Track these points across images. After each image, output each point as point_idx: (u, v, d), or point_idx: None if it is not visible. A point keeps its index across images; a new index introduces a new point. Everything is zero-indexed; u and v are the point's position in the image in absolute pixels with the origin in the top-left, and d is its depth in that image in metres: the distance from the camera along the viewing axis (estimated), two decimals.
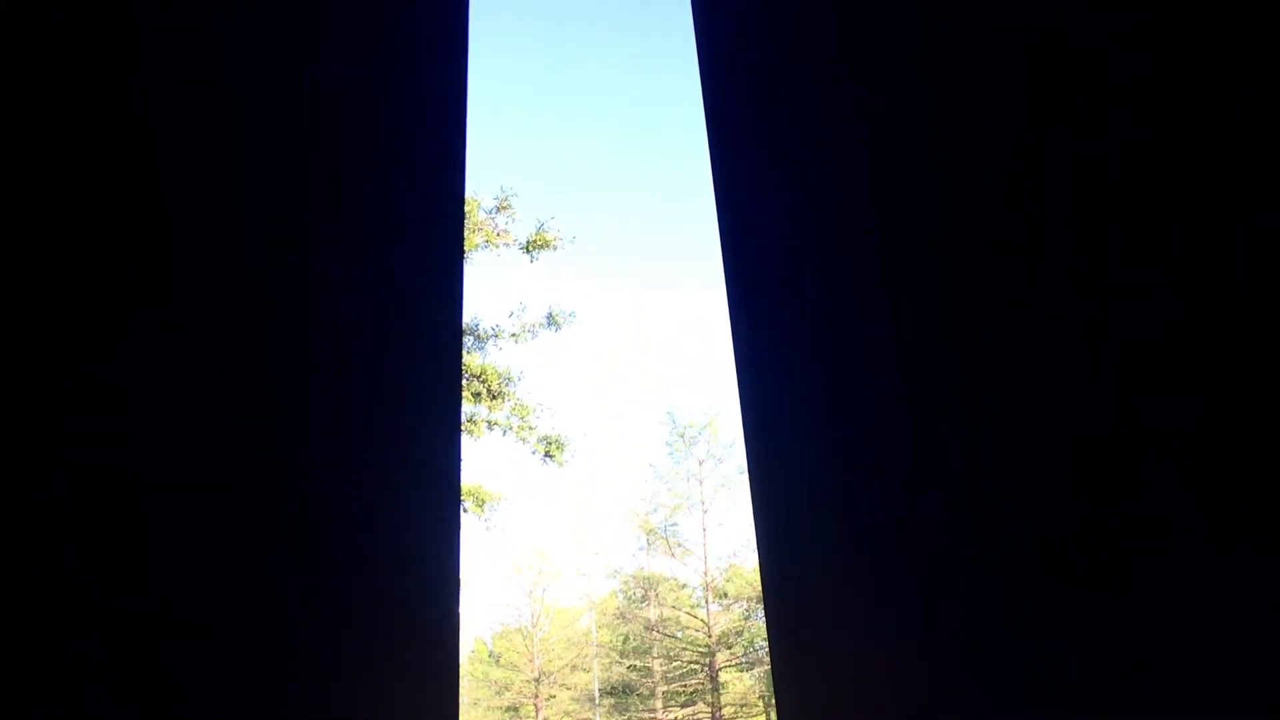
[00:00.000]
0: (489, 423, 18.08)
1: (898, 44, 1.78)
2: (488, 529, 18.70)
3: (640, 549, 30.04)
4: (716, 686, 28.15)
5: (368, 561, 1.62)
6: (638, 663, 30.52)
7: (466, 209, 17.39)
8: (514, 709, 32.33)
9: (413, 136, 1.83)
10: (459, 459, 1.71)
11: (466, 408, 17.96)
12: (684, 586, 30.00)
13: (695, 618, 29.01)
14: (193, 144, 1.66)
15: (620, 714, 30.72)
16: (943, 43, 1.72)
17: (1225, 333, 1.44)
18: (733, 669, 28.31)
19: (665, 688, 29.59)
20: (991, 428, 1.59)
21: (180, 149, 1.65)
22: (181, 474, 1.55)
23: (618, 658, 31.17)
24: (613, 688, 30.86)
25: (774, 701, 1.78)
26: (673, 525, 29.01)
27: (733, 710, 28.33)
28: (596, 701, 31.07)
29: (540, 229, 18.06)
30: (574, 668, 32.33)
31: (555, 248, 18.21)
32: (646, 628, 30.09)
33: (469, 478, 18.74)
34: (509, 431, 18.20)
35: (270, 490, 1.59)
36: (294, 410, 1.64)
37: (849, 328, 1.78)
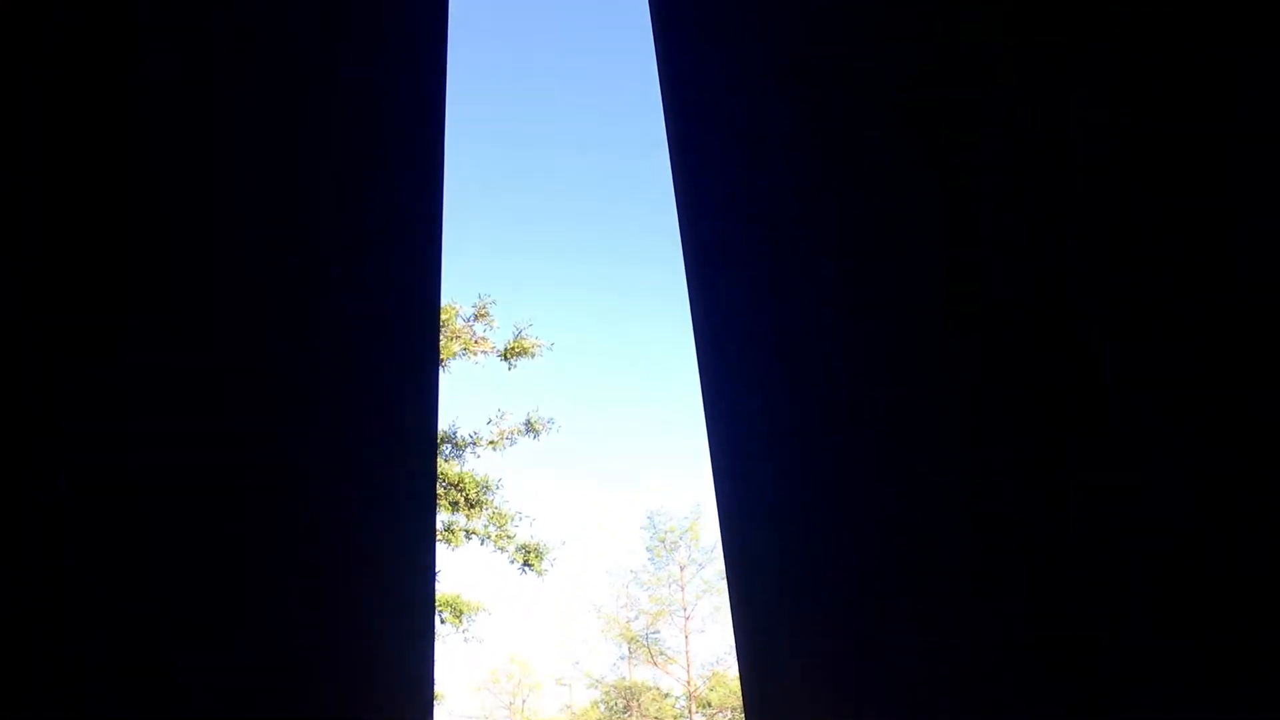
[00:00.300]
0: (467, 531, 17.91)
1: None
2: (466, 640, 18.42)
3: (622, 658, 29.65)
4: None
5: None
6: None
7: (444, 317, 17.45)
8: None
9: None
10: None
11: (444, 516, 17.81)
12: (667, 696, 29.54)
13: None
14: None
15: None
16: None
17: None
18: None
19: None
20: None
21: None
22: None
23: None
24: None
25: None
26: (654, 633, 28.68)
27: None
28: None
29: (518, 336, 18.10)
30: None
31: (534, 355, 18.24)
32: None
33: (446, 587, 18.50)
34: (487, 540, 18.03)
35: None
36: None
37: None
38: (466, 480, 17.67)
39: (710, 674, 28.05)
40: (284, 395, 1.63)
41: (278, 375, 1.63)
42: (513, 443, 18.49)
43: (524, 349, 18.06)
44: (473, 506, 17.76)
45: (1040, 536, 1.48)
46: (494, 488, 17.92)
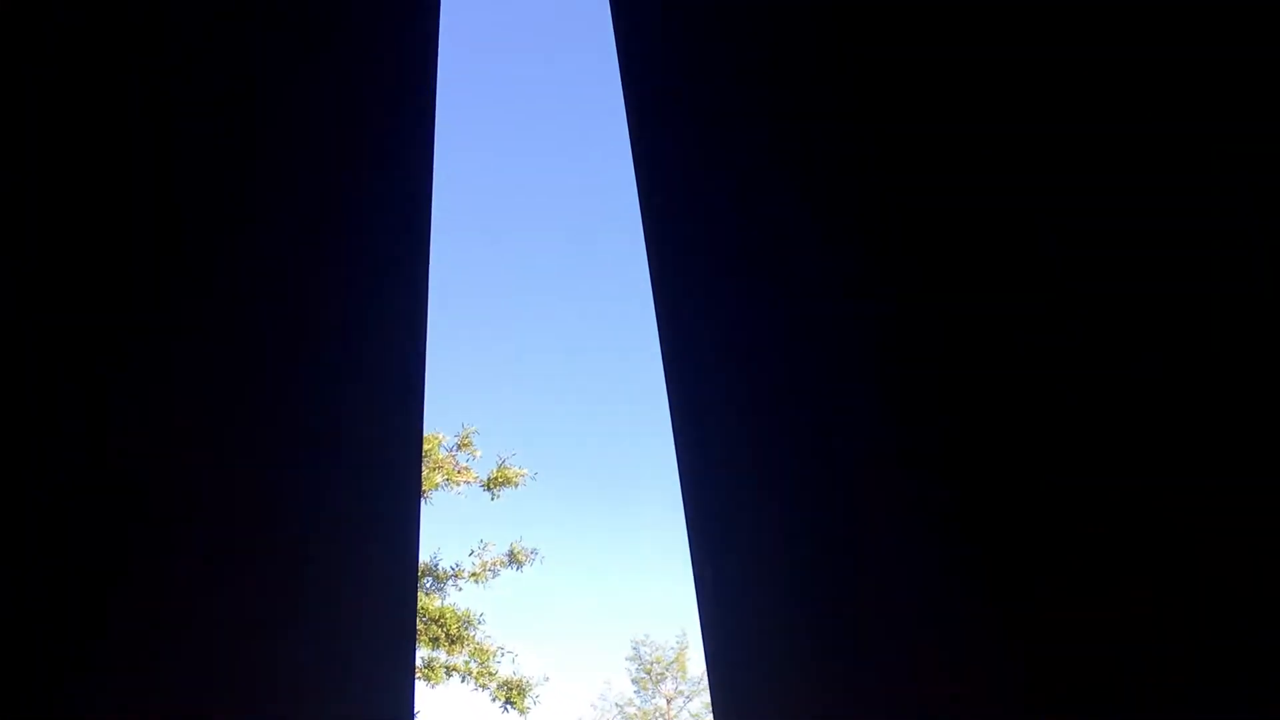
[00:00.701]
0: (447, 668, 17.57)
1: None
2: None
3: None
4: None
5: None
6: None
7: (427, 447, 17.41)
8: None
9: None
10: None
11: (424, 652, 17.51)
12: None
13: None
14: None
15: None
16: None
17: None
18: None
19: None
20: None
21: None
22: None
23: None
24: None
25: None
26: None
27: None
28: None
29: (501, 465, 18.03)
30: None
31: (517, 485, 18.15)
32: None
33: None
34: (468, 677, 17.68)
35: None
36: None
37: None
38: (448, 615, 17.41)
39: None
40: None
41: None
42: (495, 575, 18.27)
43: (507, 479, 17.97)
44: (454, 642, 17.46)
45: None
46: (476, 623, 17.64)
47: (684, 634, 29.50)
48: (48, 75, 1.58)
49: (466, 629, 17.51)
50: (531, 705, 17.92)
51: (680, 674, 28.18)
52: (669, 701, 27.99)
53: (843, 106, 1.85)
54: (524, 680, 17.82)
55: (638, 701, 28.85)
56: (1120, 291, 1.53)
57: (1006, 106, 1.70)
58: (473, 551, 18.30)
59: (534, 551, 18.47)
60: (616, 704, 29.23)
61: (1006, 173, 1.68)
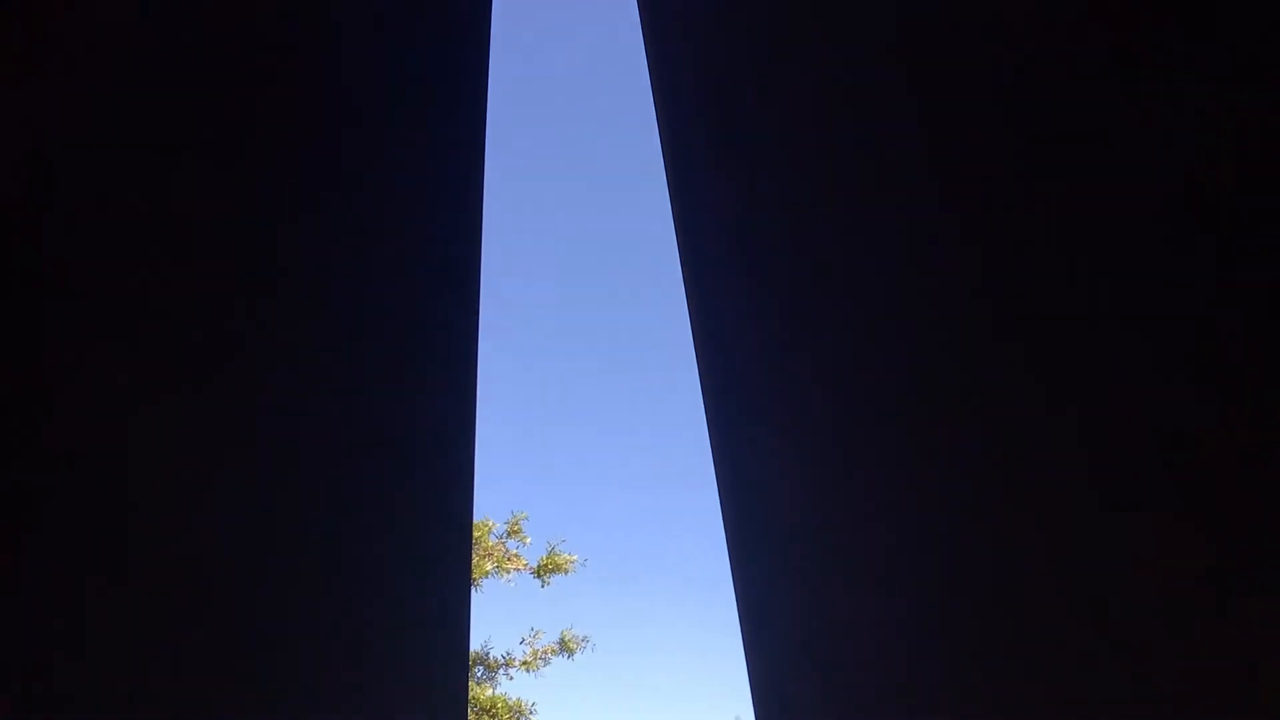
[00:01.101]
0: None
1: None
2: None
3: None
4: None
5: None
6: None
7: (477, 534, 17.41)
8: None
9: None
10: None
11: None
12: None
13: None
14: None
15: None
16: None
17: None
18: None
19: None
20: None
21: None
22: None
23: None
24: None
25: None
26: None
27: None
28: None
29: (551, 551, 17.98)
30: None
31: (568, 572, 18.08)
32: None
33: None
34: None
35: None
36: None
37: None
38: (499, 705, 17.28)
39: None
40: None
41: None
42: (547, 663, 18.13)
43: (557, 565, 17.90)
44: None
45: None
46: (528, 712, 17.49)
47: (737, 718, 29.12)
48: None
49: (519, 719, 17.37)
50: None
51: None
52: None
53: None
54: None
55: None
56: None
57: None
58: (524, 639, 18.19)
59: (585, 639, 18.33)
60: None
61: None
